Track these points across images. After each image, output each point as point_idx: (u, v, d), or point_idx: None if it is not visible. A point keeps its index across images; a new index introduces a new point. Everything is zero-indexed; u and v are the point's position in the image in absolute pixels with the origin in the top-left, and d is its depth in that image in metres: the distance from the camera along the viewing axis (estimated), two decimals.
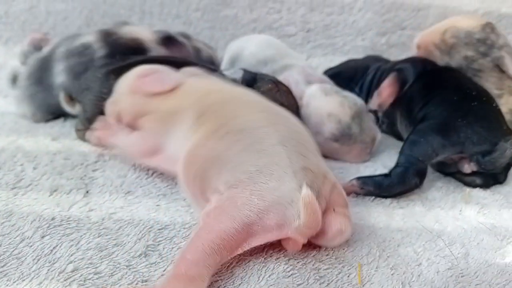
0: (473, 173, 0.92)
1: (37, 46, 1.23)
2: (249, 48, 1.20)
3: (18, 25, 1.48)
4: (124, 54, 1.05)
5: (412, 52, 1.25)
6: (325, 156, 0.95)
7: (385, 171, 0.95)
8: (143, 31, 1.16)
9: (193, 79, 0.85)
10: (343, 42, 1.64)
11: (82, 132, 0.96)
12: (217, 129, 0.69)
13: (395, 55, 1.62)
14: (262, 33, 1.55)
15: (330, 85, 1.06)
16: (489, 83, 1.09)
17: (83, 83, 0.99)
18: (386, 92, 1.09)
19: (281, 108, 0.79)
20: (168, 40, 1.15)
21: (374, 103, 1.11)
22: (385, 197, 0.86)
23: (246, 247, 0.61)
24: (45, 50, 1.14)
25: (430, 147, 0.89)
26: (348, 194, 0.82)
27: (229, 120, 0.70)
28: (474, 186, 0.93)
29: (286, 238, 0.62)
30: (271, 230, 0.60)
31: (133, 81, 0.85)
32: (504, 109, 1.03)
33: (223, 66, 1.24)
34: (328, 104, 0.99)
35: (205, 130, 0.70)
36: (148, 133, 0.81)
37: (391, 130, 1.17)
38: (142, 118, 0.83)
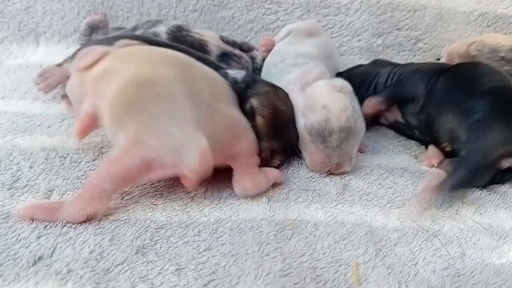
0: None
1: (94, 27, 1.33)
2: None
3: (14, 24, 1.47)
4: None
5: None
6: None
7: (382, 170, 0.96)
8: (212, 37, 1.26)
9: (120, 47, 0.94)
10: (339, 43, 1.63)
11: None
12: (134, 79, 0.77)
13: (391, 55, 1.63)
14: (258, 34, 1.55)
15: (352, 90, 0.98)
16: None
17: None
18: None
19: (202, 65, 0.88)
20: (224, 55, 1.24)
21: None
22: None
23: (146, 179, 0.75)
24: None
25: (496, 139, 0.89)
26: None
27: (145, 72, 0.78)
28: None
29: (182, 175, 0.73)
30: (168, 168, 0.71)
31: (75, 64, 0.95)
32: None
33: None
34: (331, 98, 0.91)
35: (125, 77, 0.78)
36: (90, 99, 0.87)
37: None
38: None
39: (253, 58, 1.30)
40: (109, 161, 0.71)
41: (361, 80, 1.23)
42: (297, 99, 0.97)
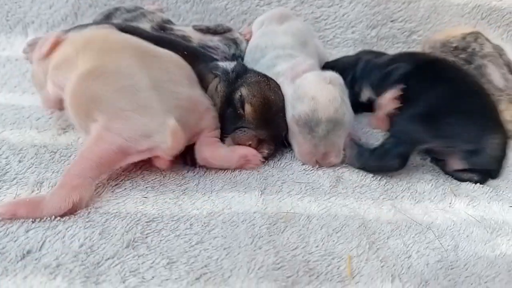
0: (469, 170, 0.92)
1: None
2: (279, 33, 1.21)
3: (2, 14, 1.45)
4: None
5: None
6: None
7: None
8: (191, 31, 1.27)
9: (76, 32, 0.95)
10: (333, 35, 1.63)
11: None
12: (93, 70, 0.78)
13: (385, 47, 1.62)
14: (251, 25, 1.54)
15: (342, 83, 0.98)
16: None
17: None
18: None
19: (162, 50, 0.90)
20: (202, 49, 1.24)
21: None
22: (363, 169, 0.91)
23: (124, 163, 0.76)
24: None
25: (417, 133, 0.90)
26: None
27: (104, 62, 0.80)
28: (471, 182, 0.93)
29: (156, 157, 0.77)
30: (143, 152, 0.75)
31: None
32: None
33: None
34: (321, 89, 0.91)
35: (84, 68, 0.79)
36: (52, 88, 0.89)
37: None
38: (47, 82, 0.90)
39: (237, 44, 1.28)
40: (86, 148, 0.73)
41: (343, 68, 1.23)
42: (287, 91, 0.97)
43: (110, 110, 0.75)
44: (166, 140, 0.73)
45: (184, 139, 0.77)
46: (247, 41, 1.30)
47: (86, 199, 0.70)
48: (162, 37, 1.11)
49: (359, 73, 1.19)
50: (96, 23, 1.22)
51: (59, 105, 0.90)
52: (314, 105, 0.89)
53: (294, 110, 0.92)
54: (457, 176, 0.94)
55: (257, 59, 1.15)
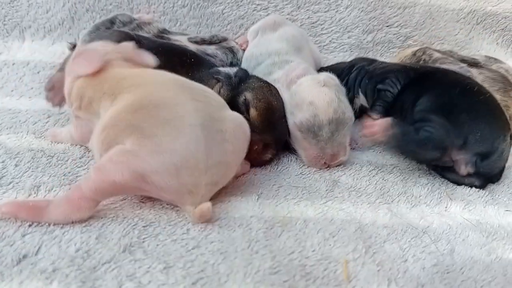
0: (470, 174, 0.92)
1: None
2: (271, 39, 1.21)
3: None
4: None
5: None
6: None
7: (371, 167, 0.96)
8: (186, 41, 1.27)
9: (117, 63, 0.83)
10: (329, 40, 1.63)
11: None
12: (131, 103, 0.71)
13: (381, 52, 1.63)
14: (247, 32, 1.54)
15: (337, 83, 0.99)
16: None
17: None
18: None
19: (199, 84, 0.80)
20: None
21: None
22: (398, 148, 0.89)
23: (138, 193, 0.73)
24: None
25: (440, 125, 0.88)
26: (381, 129, 0.90)
27: (144, 96, 0.72)
28: (472, 187, 0.93)
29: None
30: (165, 199, 0.71)
31: (69, 63, 0.85)
32: None
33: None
34: (317, 93, 0.92)
35: (120, 104, 0.72)
36: (79, 122, 0.84)
37: None
38: (74, 103, 0.82)
39: (234, 53, 1.29)
40: (99, 169, 0.66)
41: (339, 73, 1.24)
42: (284, 97, 0.98)
43: (145, 137, 0.67)
44: (190, 210, 0.69)
45: (209, 218, 0.71)
46: (243, 50, 1.30)
47: (87, 217, 0.69)
48: (171, 44, 1.14)
49: (352, 80, 1.19)
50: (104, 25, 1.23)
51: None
52: (314, 110, 0.90)
53: (294, 117, 0.93)
54: (458, 180, 0.94)
55: (253, 67, 1.15)
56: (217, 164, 0.70)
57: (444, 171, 0.95)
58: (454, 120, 0.90)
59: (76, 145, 0.92)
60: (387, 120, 0.90)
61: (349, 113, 0.95)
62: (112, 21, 1.30)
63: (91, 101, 0.78)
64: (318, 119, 0.90)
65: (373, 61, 1.28)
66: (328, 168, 0.94)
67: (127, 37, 1.04)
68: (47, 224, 0.67)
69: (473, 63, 1.27)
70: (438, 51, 1.35)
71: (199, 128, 0.68)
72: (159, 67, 0.86)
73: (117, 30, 1.12)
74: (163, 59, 1.01)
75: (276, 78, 1.03)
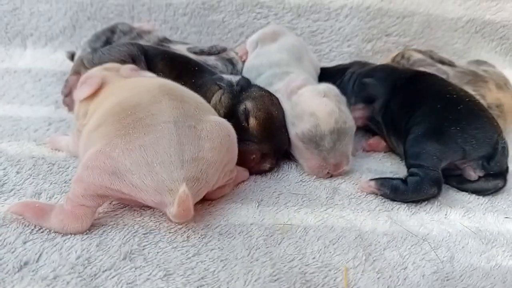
0: (479, 179, 0.92)
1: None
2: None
3: (1, 26, 1.46)
4: None
5: None
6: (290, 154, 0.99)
7: (371, 175, 0.96)
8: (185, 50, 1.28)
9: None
10: (329, 48, 1.65)
11: None
12: (111, 106, 0.73)
13: (381, 61, 1.63)
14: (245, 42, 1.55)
15: (338, 93, 1.00)
16: None
17: None
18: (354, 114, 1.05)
19: (186, 89, 0.82)
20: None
21: None
22: (400, 201, 0.87)
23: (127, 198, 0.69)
24: None
25: (433, 155, 0.88)
26: (365, 192, 0.89)
27: (123, 98, 0.74)
28: (485, 193, 0.92)
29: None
30: (149, 203, 0.68)
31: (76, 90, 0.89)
32: None
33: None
34: (318, 104, 0.93)
35: (102, 108, 0.75)
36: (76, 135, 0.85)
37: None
38: (80, 120, 0.85)
39: (233, 64, 1.29)
40: (80, 182, 0.67)
41: (333, 74, 1.27)
42: (285, 108, 0.99)
43: (117, 136, 0.68)
44: (172, 204, 0.65)
45: (192, 209, 0.67)
46: (243, 62, 1.31)
47: (86, 227, 0.68)
48: (175, 53, 1.16)
49: (344, 84, 1.20)
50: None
51: None
52: (315, 120, 0.91)
53: (296, 128, 0.94)
54: (480, 187, 0.93)
55: (254, 78, 1.15)
56: (194, 159, 0.68)
57: (461, 184, 0.95)
58: (446, 138, 0.90)
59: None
60: (375, 182, 0.89)
61: (350, 122, 0.95)
62: (112, 30, 1.30)
63: (91, 114, 0.80)
64: (319, 129, 0.91)
65: (366, 64, 1.29)
66: (330, 177, 0.94)
67: (139, 50, 1.06)
68: (48, 231, 0.67)
69: (449, 64, 1.30)
70: (419, 51, 1.37)
71: (172, 125, 0.69)
72: (165, 73, 0.87)
73: (128, 43, 1.11)
74: (169, 66, 1.03)
75: (277, 89, 1.03)
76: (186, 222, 0.73)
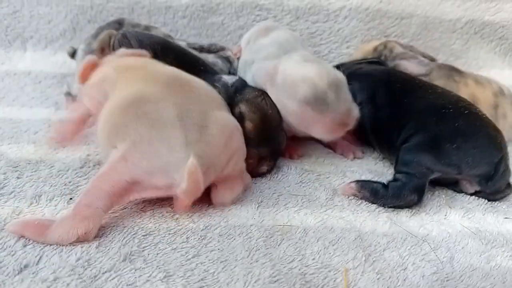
0: (482, 192, 0.91)
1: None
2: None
3: (2, 29, 1.47)
4: None
5: None
6: (295, 136, 0.99)
7: (371, 175, 0.96)
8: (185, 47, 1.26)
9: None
10: (328, 50, 1.65)
11: None
12: (121, 100, 0.76)
13: (361, 51, 1.63)
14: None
15: (310, 55, 1.01)
16: None
17: None
18: None
19: (192, 78, 0.86)
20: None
21: None
22: (381, 205, 0.86)
23: (137, 197, 0.72)
24: None
25: (423, 166, 0.87)
26: (346, 194, 0.88)
27: (130, 91, 0.77)
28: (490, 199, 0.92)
29: (174, 197, 0.71)
30: (159, 188, 0.70)
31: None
32: None
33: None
34: (304, 69, 0.92)
35: (114, 99, 0.79)
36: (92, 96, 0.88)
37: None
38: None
39: (230, 62, 1.30)
40: (98, 177, 0.69)
41: None
42: (274, 97, 0.97)
43: (128, 136, 0.71)
44: (183, 180, 0.66)
45: (202, 183, 0.69)
46: (238, 59, 1.31)
47: (93, 233, 0.67)
48: (186, 50, 1.17)
49: None
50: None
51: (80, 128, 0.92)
52: (310, 82, 0.90)
53: (297, 96, 0.91)
54: (482, 196, 0.92)
55: (244, 74, 1.15)
56: (198, 140, 0.71)
57: (460, 192, 0.94)
58: (440, 153, 0.87)
59: (77, 155, 0.93)
60: (356, 184, 0.88)
61: (338, 73, 0.95)
62: (119, 22, 1.31)
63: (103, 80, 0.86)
64: (319, 87, 0.89)
65: (354, 64, 1.27)
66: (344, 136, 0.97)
67: (156, 43, 1.08)
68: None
69: (431, 59, 1.32)
70: (401, 44, 1.37)
71: (176, 120, 0.72)
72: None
73: (148, 34, 1.14)
74: (178, 61, 1.03)
75: (259, 82, 1.01)
76: (186, 223, 0.73)
